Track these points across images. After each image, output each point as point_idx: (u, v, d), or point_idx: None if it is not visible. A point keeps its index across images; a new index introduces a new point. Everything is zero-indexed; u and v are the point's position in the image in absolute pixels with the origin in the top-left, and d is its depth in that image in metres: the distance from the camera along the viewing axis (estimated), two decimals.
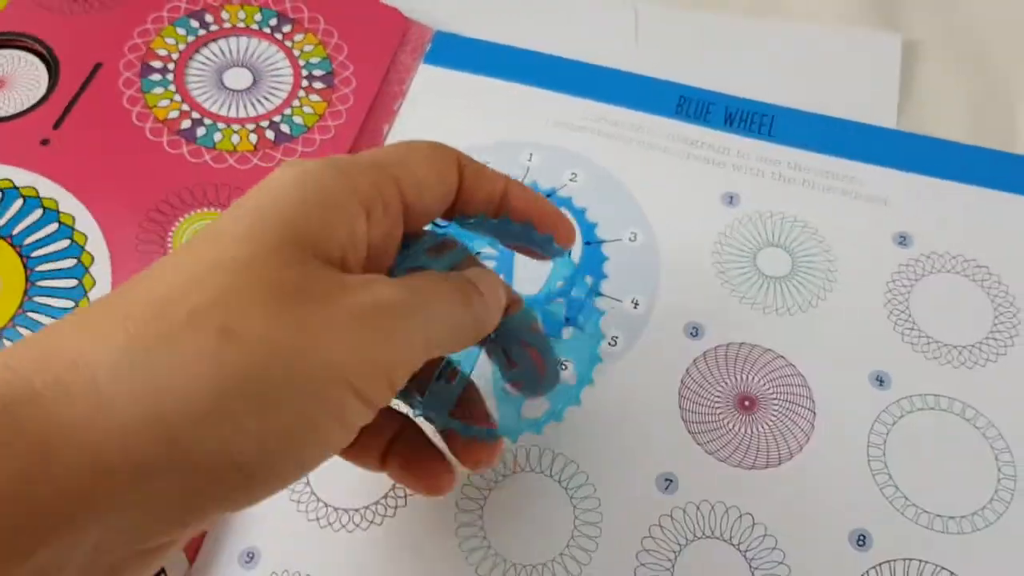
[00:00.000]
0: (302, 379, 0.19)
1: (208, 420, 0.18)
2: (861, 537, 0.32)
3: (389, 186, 0.24)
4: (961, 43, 0.44)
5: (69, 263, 0.36)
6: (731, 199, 0.39)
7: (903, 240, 0.38)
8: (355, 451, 0.28)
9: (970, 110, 0.43)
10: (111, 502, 0.18)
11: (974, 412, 0.34)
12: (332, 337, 0.20)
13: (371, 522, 0.33)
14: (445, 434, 0.29)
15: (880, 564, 0.31)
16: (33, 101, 0.40)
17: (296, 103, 0.41)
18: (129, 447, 0.18)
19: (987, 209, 0.38)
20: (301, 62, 0.42)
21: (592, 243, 0.38)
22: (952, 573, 0.31)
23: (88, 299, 0.36)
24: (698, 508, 0.33)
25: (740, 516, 0.32)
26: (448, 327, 0.24)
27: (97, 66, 0.41)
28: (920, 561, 0.31)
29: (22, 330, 0.35)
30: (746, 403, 0.35)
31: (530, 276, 0.38)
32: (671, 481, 0.33)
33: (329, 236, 0.22)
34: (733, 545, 0.32)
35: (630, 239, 0.38)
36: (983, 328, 0.36)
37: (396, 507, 0.33)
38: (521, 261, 0.38)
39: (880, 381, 0.35)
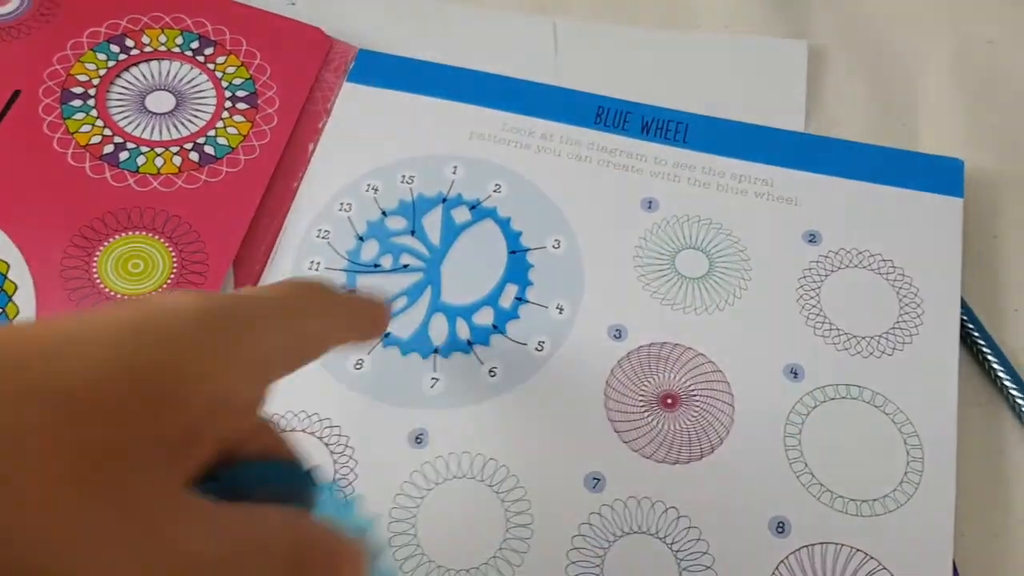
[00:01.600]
0: None
1: None
2: (780, 524, 0.33)
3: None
4: (863, 48, 0.46)
5: None
6: (650, 204, 0.40)
7: (812, 238, 0.39)
8: None
9: (873, 112, 0.44)
10: None
11: (883, 399, 0.36)
12: None
13: None
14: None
15: (799, 549, 0.33)
16: None
17: (220, 124, 0.41)
18: None
19: (891, 206, 0.40)
20: (224, 84, 0.42)
21: (517, 251, 0.39)
22: (867, 554, 0.33)
23: None
24: (625, 504, 0.34)
25: (666, 510, 0.34)
26: None
27: (16, 93, 0.41)
28: (836, 544, 0.33)
29: None
30: (669, 401, 0.36)
31: (459, 289, 0.38)
32: (599, 479, 0.34)
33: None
34: (660, 539, 0.33)
35: (554, 246, 0.39)
36: (889, 319, 0.37)
37: None
38: (449, 270, 0.39)
39: (794, 373, 0.36)
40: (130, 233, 0.38)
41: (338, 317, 0.25)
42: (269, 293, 0.22)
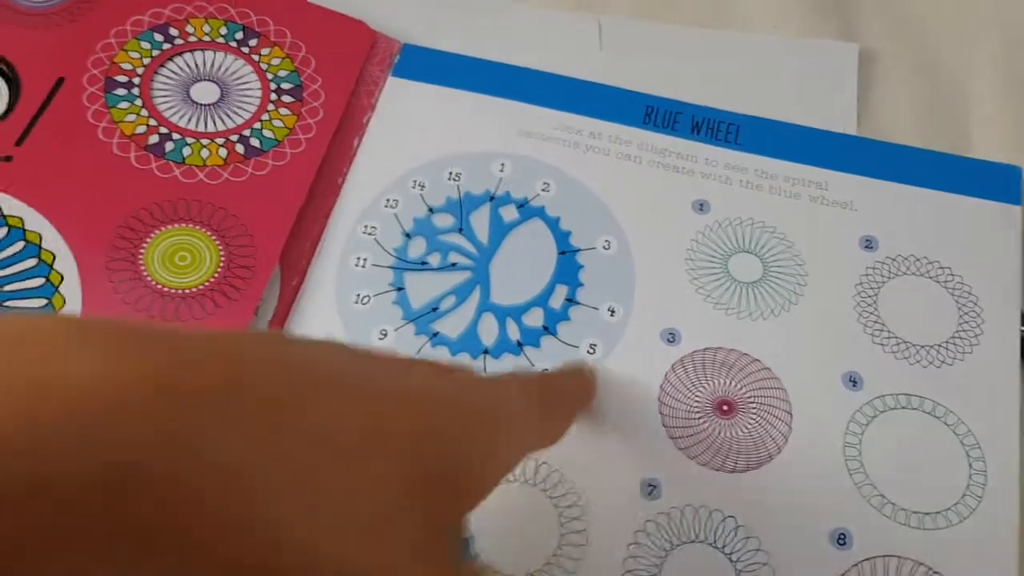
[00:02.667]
0: None
1: None
2: (841, 536, 0.33)
3: None
4: (915, 52, 0.46)
5: (37, 282, 0.36)
6: (701, 206, 0.39)
7: (869, 244, 0.39)
8: None
9: (925, 116, 0.44)
10: None
11: (944, 410, 0.35)
12: None
13: None
14: None
15: (861, 562, 0.32)
16: None
17: (265, 117, 0.41)
18: None
19: (946, 212, 0.39)
20: (269, 75, 0.42)
21: (567, 252, 0.39)
22: (930, 568, 0.32)
23: None
24: (682, 513, 0.33)
25: (723, 519, 0.33)
26: None
27: (60, 81, 0.40)
28: (899, 558, 0.32)
29: None
30: (724, 407, 0.35)
31: (508, 289, 0.38)
32: (655, 487, 0.33)
33: None
34: (718, 548, 0.32)
35: (604, 247, 0.39)
36: (948, 328, 0.37)
37: None
38: (498, 269, 0.38)
39: (853, 382, 0.35)
40: (177, 225, 0.37)
41: (569, 409, 0.30)
42: (515, 395, 0.25)
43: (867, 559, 0.32)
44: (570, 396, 0.31)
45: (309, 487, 0.17)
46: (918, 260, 0.38)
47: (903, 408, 0.35)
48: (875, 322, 0.37)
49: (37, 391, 0.15)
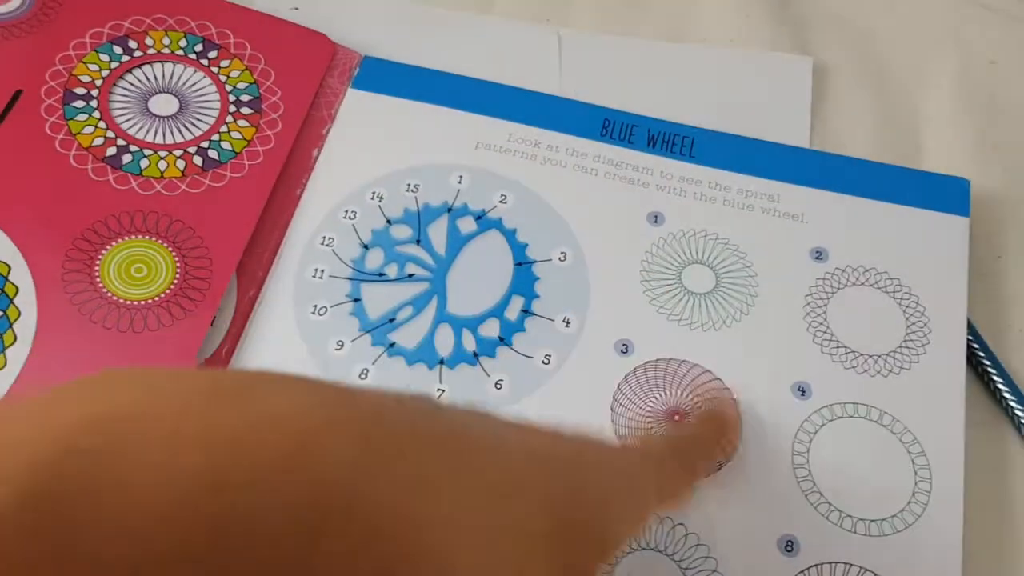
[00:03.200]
0: None
1: None
2: (789, 543, 0.33)
3: None
4: (868, 65, 0.47)
5: None
6: (656, 218, 0.40)
7: (819, 255, 0.39)
8: None
9: (877, 129, 0.45)
10: None
11: (891, 418, 0.36)
12: None
13: None
14: None
15: (808, 568, 0.33)
16: None
17: (224, 129, 0.41)
18: None
19: (895, 223, 0.40)
20: (228, 87, 0.42)
21: (523, 263, 0.39)
22: (876, 574, 0.33)
23: (12, 330, 0.35)
24: None
25: (673, 527, 0.33)
26: None
27: (18, 93, 0.40)
28: (845, 564, 0.33)
29: None
30: (676, 417, 0.36)
31: (465, 299, 0.38)
32: None
33: None
34: (668, 555, 0.33)
35: (560, 259, 0.39)
36: (896, 337, 0.37)
37: None
38: (455, 281, 0.38)
39: (802, 391, 0.36)
40: (133, 237, 0.37)
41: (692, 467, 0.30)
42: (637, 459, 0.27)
43: (814, 565, 0.33)
44: (696, 454, 0.31)
45: (466, 525, 0.18)
46: (867, 271, 0.39)
47: (851, 417, 0.36)
48: (824, 332, 0.37)
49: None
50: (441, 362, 0.37)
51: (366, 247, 0.39)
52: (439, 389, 0.36)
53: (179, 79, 0.42)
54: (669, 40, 0.47)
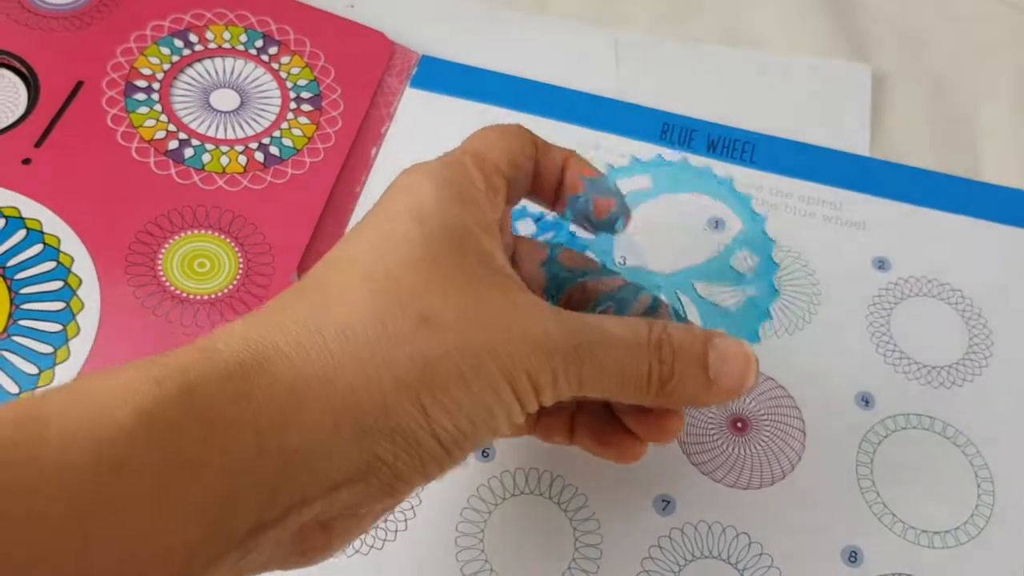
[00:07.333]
0: (485, 371, 0.22)
1: (413, 391, 0.21)
2: (853, 553, 0.33)
3: (496, 175, 0.26)
4: (925, 74, 0.46)
5: (55, 285, 0.36)
6: (717, 224, 0.40)
7: (882, 264, 0.39)
8: (542, 430, 0.30)
9: (935, 137, 0.44)
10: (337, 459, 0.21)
11: (954, 430, 0.35)
12: (510, 338, 0.23)
13: (371, 546, 0.33)
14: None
15: None
16: (12, 119, 0.39)
17: (285, 125, 0.41)
18: (351, 406, 0.21)
19: (957, 234, 0.40)
20: (288, 84, 0.42)
21: None
22: None
23: (76, 322, 0.35)
24: (696, 528, 0.33)
25: (736, 535, 0.33)
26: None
27: (79, 84, 0.40)
28: None
29: (7, 355, 0.34)
30: (739, 424, 0.35)
31: None
32: (668, 502, 0.34)
33: (479, 234, 0.24)
34: (731, 564, 0.33)
35: (620, 264, 0.39)
36: (959, 349, 0.37)
37: (397, 531, 0.33)
38: None
39: (865, 401, 0.36)
40: (196, 231, 0.37)
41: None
42: None
43: None
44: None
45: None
46: (930, 281, 0.39)
47: (914, 428, 0.35)
48: (887, 342, 0.37)
49: None
50: None
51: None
52: None
53: (240, 74, 0.42)
54: (723, 43, 0.47)
